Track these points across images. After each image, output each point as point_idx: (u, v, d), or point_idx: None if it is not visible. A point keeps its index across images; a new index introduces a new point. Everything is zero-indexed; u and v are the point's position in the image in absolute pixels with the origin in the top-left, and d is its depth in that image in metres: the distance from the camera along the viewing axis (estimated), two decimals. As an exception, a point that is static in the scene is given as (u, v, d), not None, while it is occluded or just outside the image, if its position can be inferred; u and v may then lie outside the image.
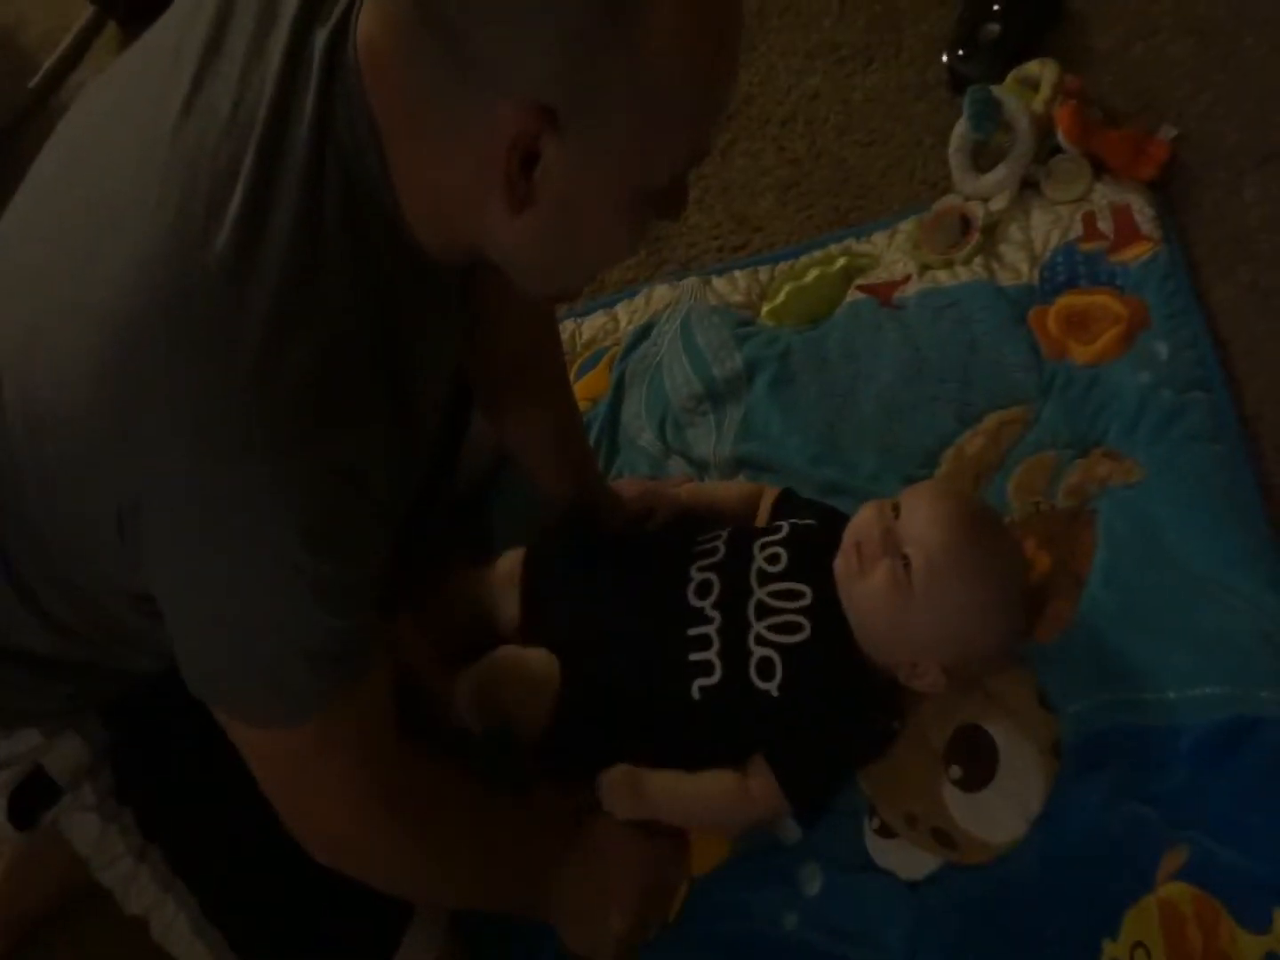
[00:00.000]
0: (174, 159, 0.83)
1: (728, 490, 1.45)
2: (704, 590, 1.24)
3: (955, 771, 1.18)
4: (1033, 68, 1.67)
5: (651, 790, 1.20)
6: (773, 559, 1.25)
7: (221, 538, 0.83)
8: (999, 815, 1.14)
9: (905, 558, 1.16)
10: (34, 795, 1.11)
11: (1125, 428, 1.36)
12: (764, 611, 1.21)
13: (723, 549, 1.29)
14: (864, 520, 1.20)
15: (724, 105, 0.87)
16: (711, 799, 1.20)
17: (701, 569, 1.26)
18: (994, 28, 1.77)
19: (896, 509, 1.20)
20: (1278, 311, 1.45)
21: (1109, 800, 1.11)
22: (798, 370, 1.57)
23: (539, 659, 1.26)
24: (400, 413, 0.89)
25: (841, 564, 1.20)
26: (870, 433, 1.49)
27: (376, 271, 0.86)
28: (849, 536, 1.21)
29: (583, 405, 1.58)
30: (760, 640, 1.20)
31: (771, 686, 1.18)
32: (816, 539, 1.27)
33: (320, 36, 0.84)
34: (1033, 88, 1.65)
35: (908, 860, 1.16)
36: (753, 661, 1.19)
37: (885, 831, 1.18)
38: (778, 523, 1.31)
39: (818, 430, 1.50)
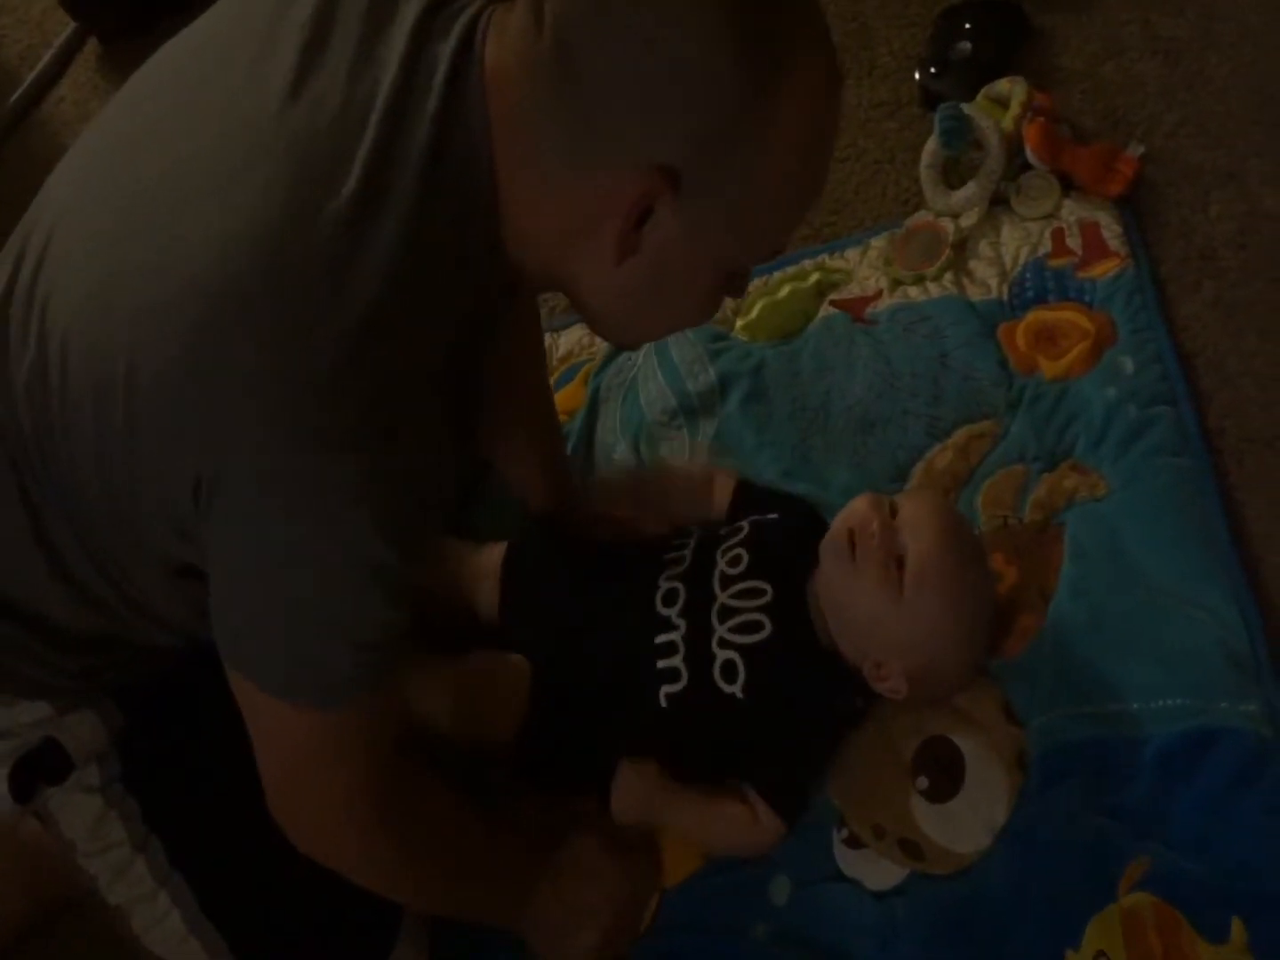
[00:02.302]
0: (281, 141, 0.84)
1: (673, 480, 1.44)
2: (670, 598, 1.26)
3: (923, 783, 1.19)
4: (1003, 85, 1.69)
5: (661, 804, 1.21)
6: (734, 561, 1.27)
7: (300, 521, 0.84)
8: (965, 826, 1.16)
9: (900, 557, 1.16)
10: (39, 769, 1.10)
11: (1092, 442, 1.38)
12: (726, 614, 1.23)
13: (689, 557, 1.30)
14: (860, 511, 1.20)
15: (814, 202, 0.94)
16: (725, 831, 1.21)
17: (669, 578, 1.28)
18: (965, 46, 1.79)
19: (895, 508, 1.20)
20: (1241, 327, 1.47)
21: (1073, 812, 1.13)
22: (770, 385, 1.59)
23: (509, 669, 1.27)
24: (458, 419, 0.92)
25: (830, 550, 1.20)
26: (842, 447, 1.50)
27: (471, 286, 0.89)
28: (841, 523, 1.21)
29: (559, 418, 1.59)
30: (723, 643, 1.21)
31: (736, 689, 1.19)
32: (778, 534, 1.29)
33: (444, 52, 0.86)
34: (1003, 105, 1.67)
35: (875, 871, 1.17)
36: (716, 665, 1.20)
37: (853, 842, 1.19)
38: (740, 523, 1.33)
39: (789, 445, 1.52)
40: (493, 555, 1.38)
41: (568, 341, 1.73)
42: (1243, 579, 1.26)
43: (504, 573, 1.36)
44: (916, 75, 1.83)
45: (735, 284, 0.98)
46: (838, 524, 1.21)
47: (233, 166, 0.84)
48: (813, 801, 1.23)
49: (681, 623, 1.24)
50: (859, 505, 1.21)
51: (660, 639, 1.23)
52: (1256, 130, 1.63)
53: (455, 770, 1.21)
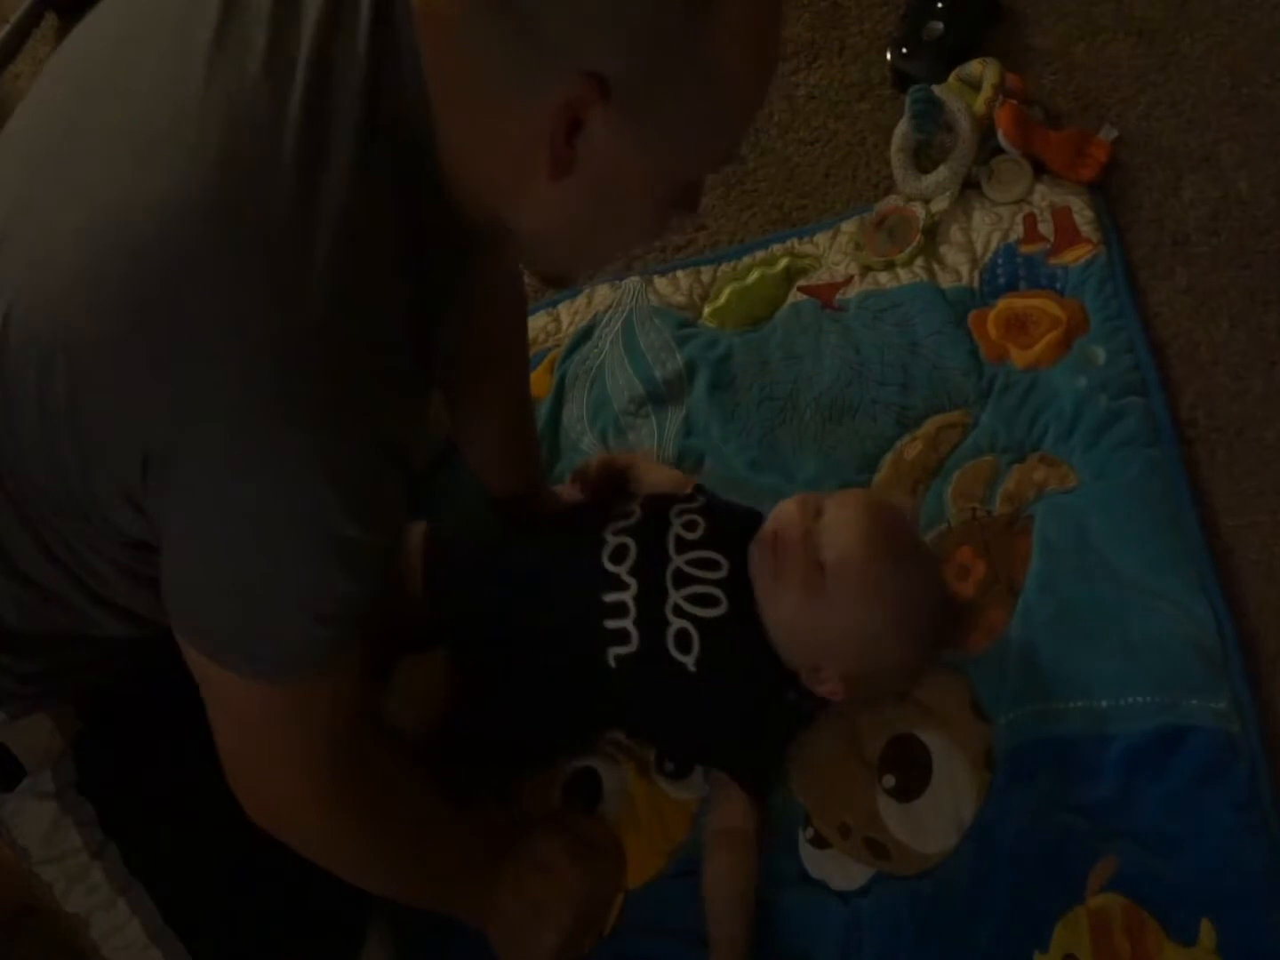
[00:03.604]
0: (210, 89, 0.80)
1: (658, 475, 1.44)
2: (619, 555, 1.21)
3: (889, 781, 1.18)
4: (975, 67, 1.66)
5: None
6: (690, 525, 1.23)
7: (255, 491, 0.82)
8: (932, 825, 1.15)
9: (820, 562, 1.15)
10: None
11: (1062, 433, 1.36)
12: (682, 580, 1.19)
13: (638, 512, 1.26)
14: (785, 514, 1.19)
15: (759, 112, 0.90)
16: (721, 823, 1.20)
17: (616, 533, 1.24)
18: (937, 26, 1.76)
19: (820, 510, 1.19)
20: (1214, 315, 1.46)
21: (1040, 810, 1.12)
22: (738, 373, 1.57)
23: (422, 664, 1.27)
24: (422, 373, 0.90)
25: (756, 553, 1.19)
26: (810, 437, 1.48)
27: (420, 232, 0.86)
28: (768, 525, 1.20)
29: (524, 406, 1.57)
30: (678, 611, 1.18)
31: (689, 661, 1.17)
32: (732, 513, 1.27)
33: None
34: (974, 87, 1.65)
35: (841, 871, 1.16)
36: (670, 632, 1.17)
37: (819, 841, 1.18)
38: (692, 491, 1.31)
39: (757, 435, 1.50)
40: (415, 533, 1.35)
41: (533, 327, 1.71)
42: (1212, 572, 1.25)
43: (427, 544, 1.33)
44: (888, 56, 1.80)
45: (686, 198, 0.93)
46: (765, 527, 1.20)
47: (166, 126, 0.81)
48: (776, 800, 1.21)
49: (632, 582, 1.19)
50: (784, 508, 1.20)
51: (609, 598, 1.19)
52: (1230, 112, 1.61)
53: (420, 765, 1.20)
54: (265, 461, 0.80)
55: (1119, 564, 1.25)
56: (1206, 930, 1.02)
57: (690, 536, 1.22)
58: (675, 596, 1.19)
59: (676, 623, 1.18)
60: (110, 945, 1.12)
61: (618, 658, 1.19)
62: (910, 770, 1.18)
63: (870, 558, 1.15)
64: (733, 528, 1.24)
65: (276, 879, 1.06)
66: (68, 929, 1.12)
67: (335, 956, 1.17)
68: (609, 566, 1.21)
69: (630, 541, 1.22)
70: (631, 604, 1.19)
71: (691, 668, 1.17)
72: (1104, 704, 1.17)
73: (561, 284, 1.07)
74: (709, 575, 1.20)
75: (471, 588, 1.31)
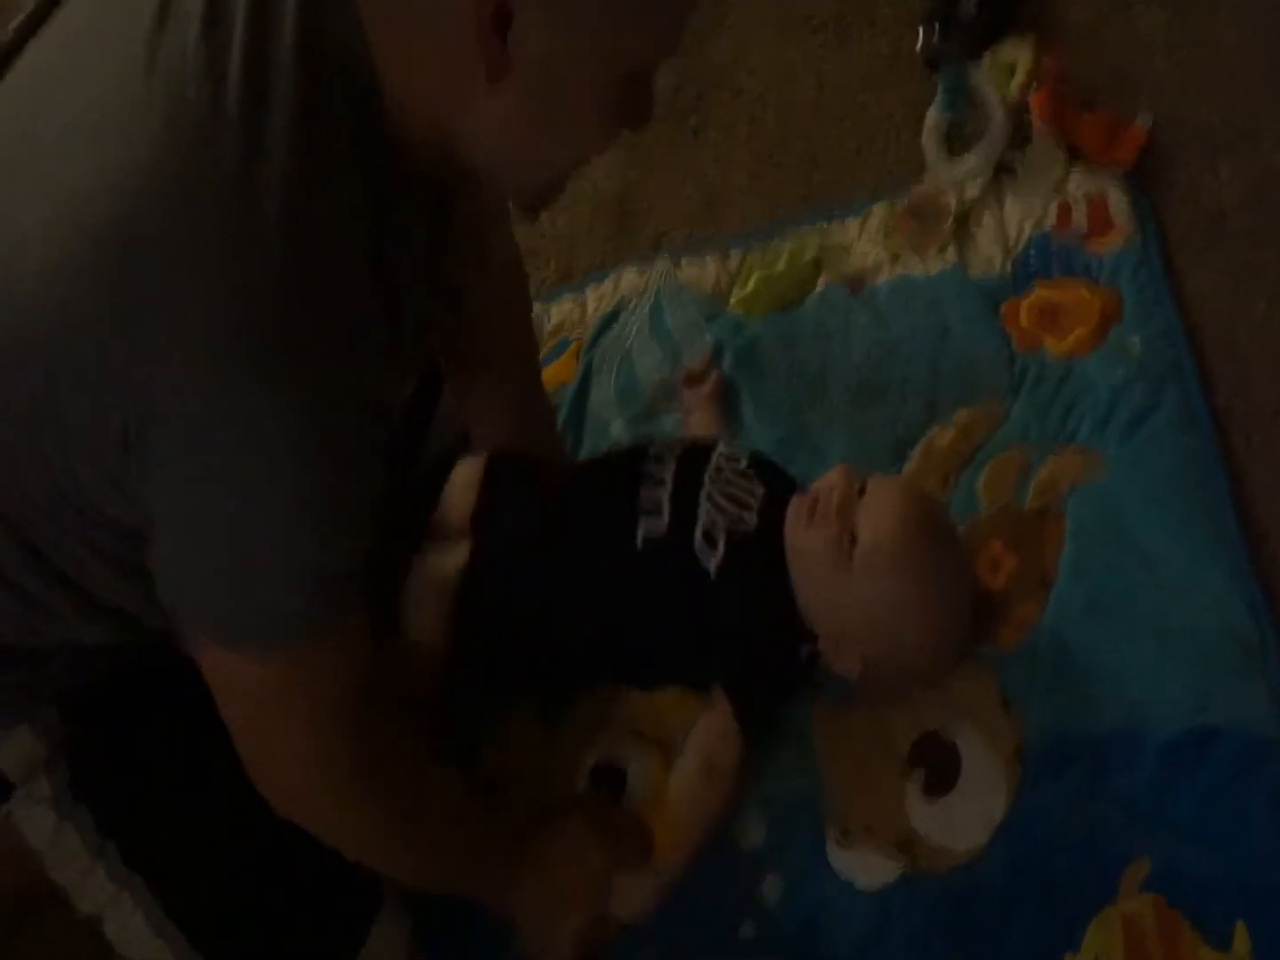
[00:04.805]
0: (154, 68, 0.81)
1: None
2: (663, 453, 1.26)
3: (917, 777, 1.17)
4: (1009, 49, 1.63)
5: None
6: (732, 457, 1.27)
7: (235, 457, 0.82)
8: (961, 823, 1.13)
9: (853, 534, 1.15)
10: None
11: (1097, 424, 1.34)
12: (719, 478, 1.23)
13: (685, 436, 1.37)
14: (830, 480, 1.20)
15: (693, 3, 0.89)
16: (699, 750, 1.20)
17: (664, 442, 1.30)
18: (970, 1, 1.73)
19: (864, 488, 1.19)
20: (1250, 296, 1.43)
21: (1072, 807, 1.11)
22: (767, 354, 1.55)
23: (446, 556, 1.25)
24: (391, 325, 0.89)
25: (794, 508, 1.20)
26: (839, 420, 1.47)
27: (373, 176, 0.86)
28: (815, 486, 1.21)
29: (549, 392, 1.56)
30: (711, 501, 1.21)
31: (711, 565, 1.18)
32: (776, 466, 1.30)
33: None
34: (1009, 70, 1.62)
35: (868, 868, 1.15)
36: (700, 524, 1.19)
37: (845, 838, 1.17)
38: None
39: (785, 416, 1.49)
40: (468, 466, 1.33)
41: (559, 313, 1.70)
42: (1248, 561, 1.23)
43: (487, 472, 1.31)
44: (920, 31, 1.77)
45: (633, 96, 0.91)
46: (810, 487, 1.22)
47: (116, 105, 0.82)
48: (804, 796, 1.20)
49: (672, 464, 1.24)
50: (831, 474, 1.21)
51: (647, 469, 1.23)
52: (1267, 89, 1.57)
53: (443, 751, 1.21)
54: (237, 419, 0.81)
55: (1154, 553, 1.23)
56: (1241, 935, 1.01)
57: (731, 457, 1.26)
58: (710, 488, 1.21)
59: (707, 515, 1.20)
60: (123, 941, 1.13)
61: (645, 538, 1.19)
62: (939, 766, 1.16)
63: (902, 545, 1.15)
64: (773, 468, 1.28)
65: (278, 867, 1.07)
66: (90, 931, 1.14)
67: (341, 941, 1.16)
68: (650, 456, 1.25)
69: (676, 445, 1.28)
70: (670, 480, 1.22)
71: (712, 573, 1.18)
72: (1137, 695, 1.15)
73: (534, 208, 1.05)
74: (746, 485, 1.23)
75: (527, 502, 1.29)
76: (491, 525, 1.26)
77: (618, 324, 1.66)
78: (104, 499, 0.88)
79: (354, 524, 0.90)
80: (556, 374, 1.61)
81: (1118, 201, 1.50)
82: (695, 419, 1.49)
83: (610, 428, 1.57)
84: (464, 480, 1.31)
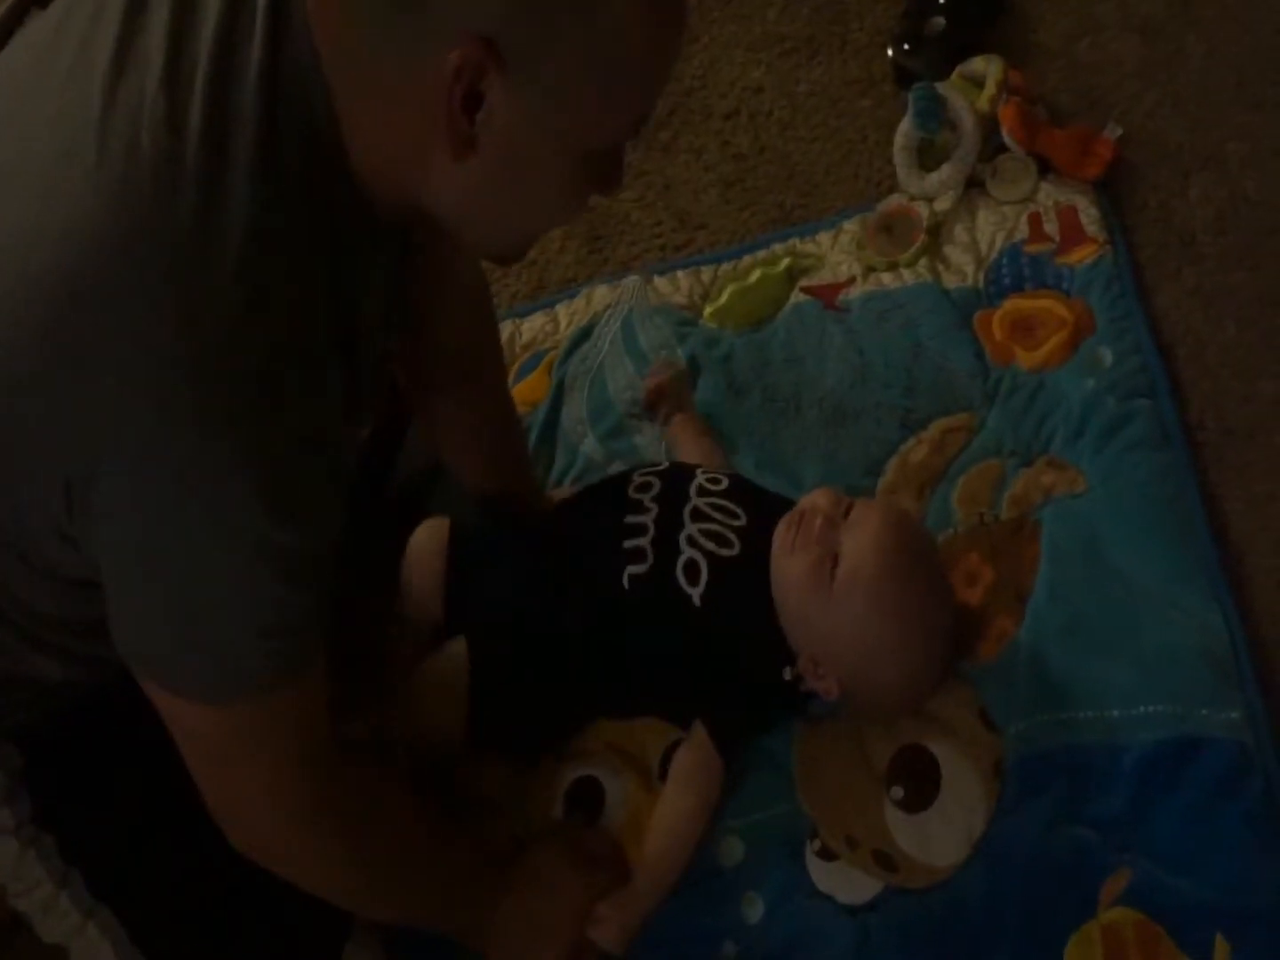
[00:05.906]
0: (109, 115, 0.79)
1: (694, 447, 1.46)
2: (644, 488, 1.27)
3: (897, 792, 1.16)
4: (978, 64, 1.65)
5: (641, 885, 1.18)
6: (714, 480, 1.28)
7: (184, 509, 0.80)
8: (941, 838, 1.13)
9: (835, 557, 1.15)
10: None
11: (1070, 436, 1.34)
12: (699, 516, 1.23)
13: (666, 463, 1.36)
14: (814, 502, 1.20)
15: (668, 75, 0.87)
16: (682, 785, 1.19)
17: (644, 473, 1.30)
18: (939, 21, 1.75)
19: (849, 510, 1.19)
20: (1221, 315, 1.45)
21: (1051, 823, 1.10)
22: (740, 375, 1.55)
23: (446, 658, 1.25)
24: (348, 372, 0.88)
25: (780, 529, 1.20)
26: (813, 440, 1.46)
27: (332, 229, 0.84)
28: (798, 507, 1.21)
29: (521, 409, 1.55)
30: (691, 541, 1.21)
31: (695, 593, 1.19)
32: (754, 486, 1.31)
33: None
34: (978, 84, 1.63)
35: (849, 884, 1.14)
36: (681, 560, 1.20)
37: (826, 854, 1.15)
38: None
39: (760, 438, 1.48)
40: (432, 529, 1.34)
41: (530, 329, 1.69)
42: (1223, 579, 1.23)
43: (452, 538, 1.32)
44: (889, 52, 1.79)
45: (601, 168, 0.90)
46: (795, 507, 1.22)
47: (68, 152, 0.79)
48: (784, 815, 1.19)
49: (654, 507, 1.24)
50: (814, 495, 1.22)
51: (630, 519, 1.24)
52: (1236, 111, 1.60)
53: (421, 786, 1.19)
54: (185, 474, 0.79)
55: (1129, 572, 1.23)
56: (1220, 946, 1.00)
57: (713, 487, 1.27)
58: (690, 528, 1.22)
59: (688, 552, 1.20)
60: None
61: (631, 577, 1.20)
62: (919, 781, 1.15)
63: (884, 567, 1.15)
64: (754, 491, 1.29)
65: (247, 894, 1.04)
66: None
67: None
68: (633, 494, 1.27)
69: (655, 479, 1.28)
70: (651, 525, 1.23)
71: (696, 601, 1.18)
72: (1116, 714, 1.15)
73: (505, 262, 1.05)
74: (726, 520, 1.23)
75: (501, 562, 1.30)
76: (466, 608, 1.28)
77: (589, 340, 1.65)
78: (50, 547, 0.87)
79: (308, 575, 0.88)
80: (531, 390, 1.60)
81: (1088, 211, 1.51)
82: (684, 450, 1.47)
83: (583, 444, 1.56)
84: (428, 546, 1.32)
